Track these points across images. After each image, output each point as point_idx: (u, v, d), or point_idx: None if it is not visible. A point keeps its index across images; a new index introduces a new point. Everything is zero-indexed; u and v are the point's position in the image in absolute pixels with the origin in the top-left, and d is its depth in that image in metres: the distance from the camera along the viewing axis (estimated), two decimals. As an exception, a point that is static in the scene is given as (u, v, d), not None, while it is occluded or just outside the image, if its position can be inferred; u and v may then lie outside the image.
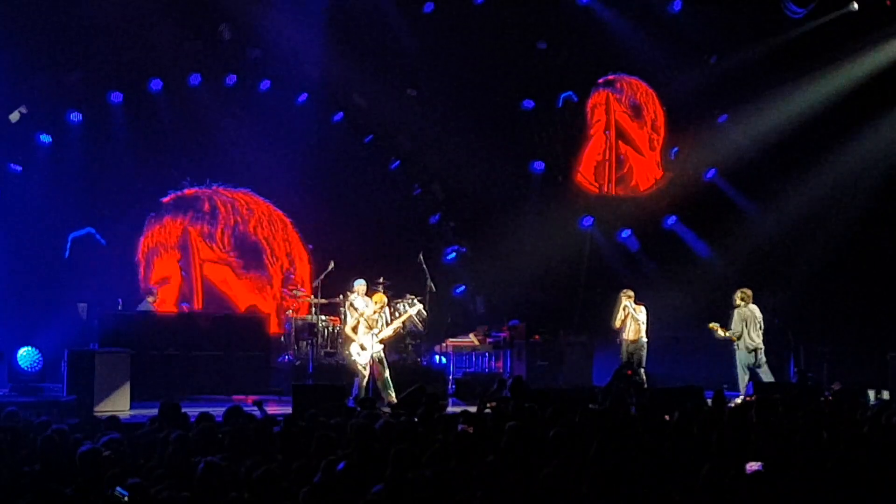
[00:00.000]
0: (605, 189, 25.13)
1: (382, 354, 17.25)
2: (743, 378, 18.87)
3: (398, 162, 24.17)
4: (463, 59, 23.04)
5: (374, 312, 17.25)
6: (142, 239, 22.26)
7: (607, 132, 25.13)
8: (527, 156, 24.59)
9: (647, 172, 25.44)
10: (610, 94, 25.27)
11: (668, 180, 25.13)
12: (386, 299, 17.92)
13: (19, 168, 21.10)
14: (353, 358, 17.17)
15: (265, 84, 22.93)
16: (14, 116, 20.72)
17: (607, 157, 25.19)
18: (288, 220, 23.64)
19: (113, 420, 10.69)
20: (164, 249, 22.55)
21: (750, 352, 18.97)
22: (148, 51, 21.38)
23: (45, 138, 21.35)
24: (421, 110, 23.59)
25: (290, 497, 7.35)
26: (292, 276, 23.10)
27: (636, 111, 25.36)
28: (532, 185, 24.66)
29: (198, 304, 22.50)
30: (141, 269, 22.22)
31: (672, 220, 24.73)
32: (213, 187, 22.98)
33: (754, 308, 19.14)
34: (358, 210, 23.60)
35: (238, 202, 23.26)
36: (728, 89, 23.99)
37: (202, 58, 22.18)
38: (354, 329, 17.18)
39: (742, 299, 19.13)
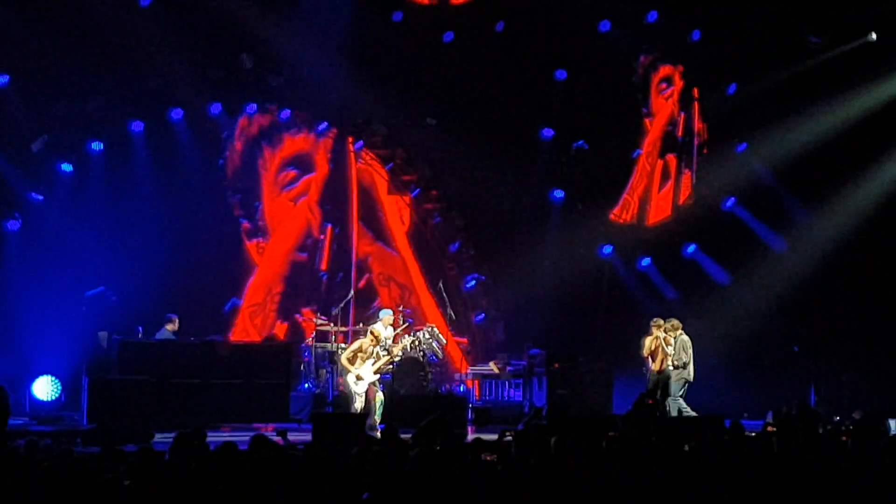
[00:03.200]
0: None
1: (376, 383, 17.47)
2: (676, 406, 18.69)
3: (418, 190, 24.23)
4: (482, 87, 23.10)
5: (370, 345, 17.38)
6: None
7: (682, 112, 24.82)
8: (547, 183, 24.60)
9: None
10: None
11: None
12: (379, 334, 17.93)
13: (41, 197, 21.22)
14: (351, 387, 17.32)
15: (285, 113, 23.07)
16: (36, 145, 20.86)
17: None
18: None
19: (145, 451, 10.64)
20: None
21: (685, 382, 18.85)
22: (168, 79, 21.51)
23: (67, 167, 21.46)
24: (441, 138, 23.67)
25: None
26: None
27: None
28: (551, 213, 24.66)
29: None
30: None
31: (692, 248, 24.69)
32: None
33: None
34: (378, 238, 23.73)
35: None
36: (747, 118, 23.99)
37: (222, 86, 22.30)
38: (351, 360, 17.30)
39: (673, 328, 18.99)
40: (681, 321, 19.35)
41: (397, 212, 24.05)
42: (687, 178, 25.08)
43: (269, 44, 22.02)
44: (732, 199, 24.53)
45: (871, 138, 22.74)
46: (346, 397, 17.76)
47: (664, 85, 24.96)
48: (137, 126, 21.84)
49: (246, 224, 23.15)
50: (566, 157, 24.48)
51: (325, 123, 23.50)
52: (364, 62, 22.52)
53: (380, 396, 17.39)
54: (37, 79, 20.66)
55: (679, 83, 24.98)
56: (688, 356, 18.89)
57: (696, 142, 24.93)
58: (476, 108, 23.26)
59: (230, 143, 22.86)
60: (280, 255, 23.30)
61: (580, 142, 24.27)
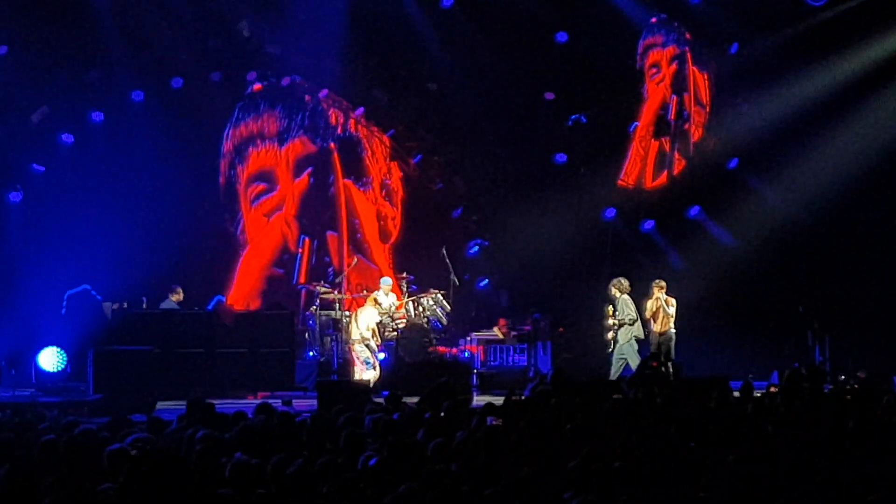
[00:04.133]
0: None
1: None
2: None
3: (420, 156, 24.17)
4: (483, 52, 22.98)
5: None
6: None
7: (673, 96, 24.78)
8: (549, 147, 24.52)
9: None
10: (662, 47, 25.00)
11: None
12: (381, 302, 18.03)
13: (42, 168, 21.18)
14: (358, 352, 17.68)
15: (285, 80, 23.00)
16: (36, 116, 20.82)
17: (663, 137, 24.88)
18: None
19: (154, 421, 10.66)
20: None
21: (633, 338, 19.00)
22: (168, 49, 21.43)
23: (68, 138, 21.41)
24: (442, 104, 23.57)
25: (319, 493, 7.35)
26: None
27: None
28: (554, 177, 24.59)
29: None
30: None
31: (695, 210, 24.62)
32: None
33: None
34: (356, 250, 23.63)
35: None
36: (750, 78, 23.87)
37: (222, 55, 22.21)
38: (370, 327, 17.43)
39: (620, 289, 19.18)
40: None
41: (375, 223, 23.85)
42: (679, 158, 25.03)
43: (267, 11, 21.91)
44: (736, 159, 24.45)
45: (872, 92, 22.61)
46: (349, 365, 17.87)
47: (654, 70, 24.87)
48: (138, 95, 21.77)
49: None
50: (568, 119, 24.40)
51: (326, 91, 23.40)
52: (364, 28, 22.41)
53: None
54: (36, 49, 20.58)
55: (670, 68, 24.87)
56: (633, 313, 18.98)
57: (690, 124, 24.83)
58: (477, 73, 23.16)
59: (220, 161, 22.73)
60: (256, 271, 23.09)
61: (577, 115, 24.15)
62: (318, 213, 23.42)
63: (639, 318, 19.29)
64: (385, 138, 23.79)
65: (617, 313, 19.25)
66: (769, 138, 23.92)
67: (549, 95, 24.20)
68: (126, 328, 18.79)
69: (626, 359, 19.10)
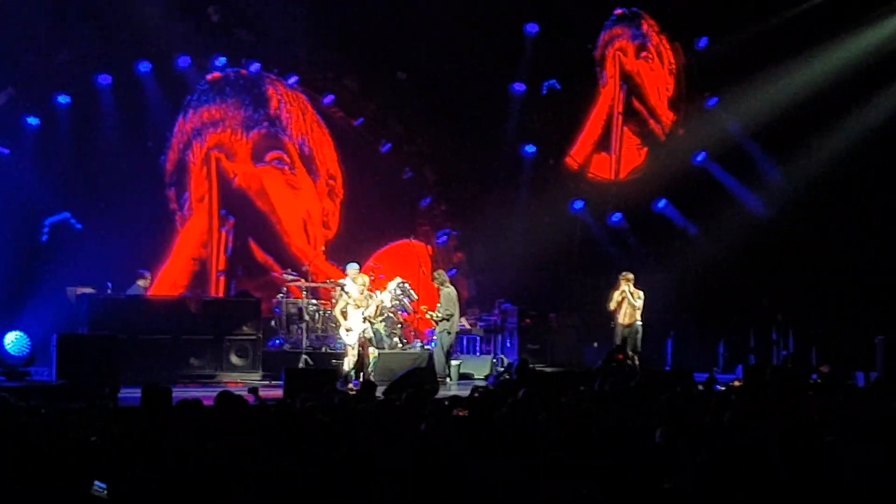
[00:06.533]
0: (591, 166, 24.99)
1: (371, 333, 17.51)
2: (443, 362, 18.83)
3: (389, 145, 24.10)
4: (453, 41, 22.93)
5: (361, 293, 17.40)
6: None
7: (623, 85, 24.85)
8: (518, 139, 24.53)
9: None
10: (624, 39, 25.01)
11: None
12: (367, 278, 18.00)
13: (7, 150, 20.99)
14: (342, 339, 17.55)
15: (254, 66, 22.87)
16: (2, 98, 20.62)
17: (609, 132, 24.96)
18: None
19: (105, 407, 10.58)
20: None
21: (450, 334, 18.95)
22: (136, 32, 21.26)
23: (33, 120, 21.23)
24: (412, 93, 23.52)
25: (289, 484, 7.30)
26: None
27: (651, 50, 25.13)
28: (523, 169, 24.61)
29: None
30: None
31: (662, 203, 24.71)
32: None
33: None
34: (349, 193, 23.54)
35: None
36: (718, 72, 23.95)
37: (191, 39, 22.06)
38: (343, 312, 17.35)
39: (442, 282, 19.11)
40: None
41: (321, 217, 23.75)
42: (631, 149, 25.10)
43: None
44: (703, 153, 24.54)
45: (844, 91, 22.72)
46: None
47: (613, 62, 24.96)
48: (105, 79, 21.60)
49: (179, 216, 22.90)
50: (537, 111, 24.40)
51: (296, 77, 23.30)
52: (333, 15, 22.30)
53: (374, 351, 17.63)
54: (2, 31, 20.36)
55: (628, 59, 24.96)
56: (454, 308, 18.87)
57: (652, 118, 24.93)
58: (447, 63, 23.10)
59: (169, 143, 22.55)
60: (185, 255, 22.93)
61: (551, 81, 24.14)
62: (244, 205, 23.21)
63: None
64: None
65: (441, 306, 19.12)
66: (736, 132, 24.05)
67: (520, 86, 24.20)
68: (91, 313, 18.65)
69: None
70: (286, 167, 23.35)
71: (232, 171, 22.98)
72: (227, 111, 22.95)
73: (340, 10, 22.38)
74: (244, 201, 23.10)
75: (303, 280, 20.74)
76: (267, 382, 18.24)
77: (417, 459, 7.52)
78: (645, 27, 24.98)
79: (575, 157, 24.93)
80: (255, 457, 7.53)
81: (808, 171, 23.23)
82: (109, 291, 19.66)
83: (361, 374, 17.09)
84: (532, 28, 23.87)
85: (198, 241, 22.80)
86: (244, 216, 22.99)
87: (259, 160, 23.21)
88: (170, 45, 21.80)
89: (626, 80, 24.93)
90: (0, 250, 20.40)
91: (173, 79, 22.16)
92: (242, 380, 18.55)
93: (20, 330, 17.68)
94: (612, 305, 19.46)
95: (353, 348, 17.22)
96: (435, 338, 19.31)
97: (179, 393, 11.83)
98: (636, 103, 24.99)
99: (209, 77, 22.69)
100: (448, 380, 18.92)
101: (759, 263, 23.20)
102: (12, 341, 17.38)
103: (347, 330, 17.25)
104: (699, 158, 24.58)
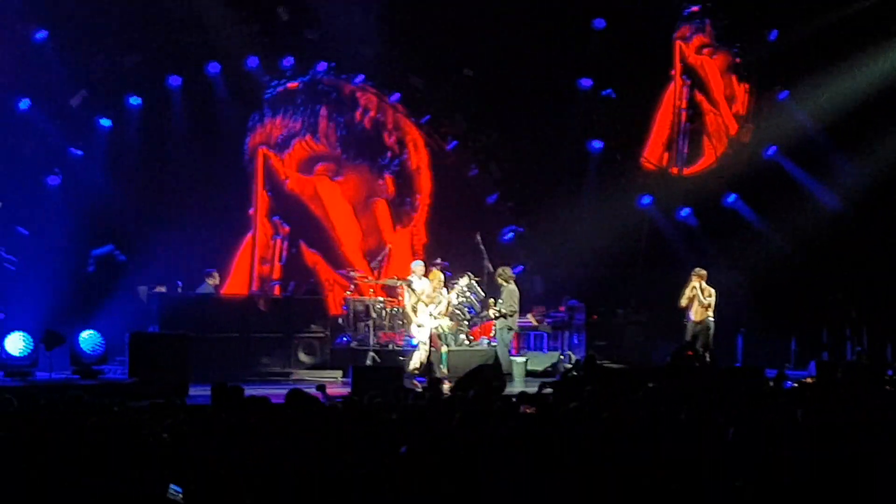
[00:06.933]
0: (668, 166, 24.79)
1: (443, 329, 17.75)
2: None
3: (455, 142, 24.11)
4: (519, 37, 22.86)
5: (433, 290, 17.64)
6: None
7: (685, 77, 24.67)
8: (585, 134, 24.40)
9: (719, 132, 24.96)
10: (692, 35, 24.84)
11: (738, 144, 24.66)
12: (442, 276, 18.13)
13: (80, 152, 21.29)
14: (414, 336, 17.81)
15: (322, 66, 22.99)
16: (75, 101, 20.92)
17: (676, 130, 24.77)
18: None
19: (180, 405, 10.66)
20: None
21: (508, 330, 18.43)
22: (204, 34, 21.46)
23: (105, 122, 21.52)
24: (477, 90, 23.50)
25: (356, 480, 7.33)
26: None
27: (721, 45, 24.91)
28: (590, 164, 24.49)
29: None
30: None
31: (732, 198, 24.45)
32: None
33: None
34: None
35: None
36: (789, 65, 23.64)
37: (258, 40, 22.22)
38: (414, 308, 17.52)
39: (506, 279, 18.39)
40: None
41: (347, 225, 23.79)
42: (701, 145, 24.87)
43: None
44: (774, 147, 24.25)
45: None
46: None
47: (683, 59, 24.76)
48: (175, 81, 21.83)
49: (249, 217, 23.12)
50: (603, 108, 24.26)
51: (362, 76, 23.39)
52: (399, 14, 22.35)
53: (444, 347, 17.95)
54: (75, 34, 20.65)
55: (700, 57, 24.74)
56: (515, 305, 18.29)
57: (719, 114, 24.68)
58: (513, 58, 23.03)
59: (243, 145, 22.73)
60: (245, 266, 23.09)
61: (608, 90, 24.02)
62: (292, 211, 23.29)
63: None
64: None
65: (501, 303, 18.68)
66: (807, 126, 23.73)
67: (586, 82, 24.07)
68: (162, 312, 18.87)
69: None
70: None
71: (293, 178, 23.16)
72: (306, 120, 23.14)
73: (407, 8, 22.42)
74: (300, 208, 23.27)
75: (369, 276, 20.83)
76: (340, 379, 18.37)
77: (483, 457, 7.51)
78: (709, 27, 24.77)
79: (649, 157, 24.72)
80: (324, 454, 7.57)
81: (880, 163, 22.84)
82: (180, 290, 19.88)
83: (430, 371, 17.17)
84: (599, 23, 23.72)
85: (261, 242, 22.99)
86: (300, 223, 23.20)
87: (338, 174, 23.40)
88: (239, 45, 21.97)
89: (692, 75, 24.70)
90: (75, 251, 20.72)
91: (242, 79, 22.33)
92: (312, 378, 18.66)
93: (93, 329, 17.92)
94: (684, 302, 19.30)
95: (423, 344, 17.39)
96: (494, 334, 19.25)
97: (251, 391, 11.91)
98: (703, 99, 24.74)
99: (289, 85, 22.86)
100: (511, 376, 18.90)
101: (832, 258, 22.86)
102: (86, 339, 17.63)
103: (419, 326, 17.42)
104: (770, 152, 24.29)
